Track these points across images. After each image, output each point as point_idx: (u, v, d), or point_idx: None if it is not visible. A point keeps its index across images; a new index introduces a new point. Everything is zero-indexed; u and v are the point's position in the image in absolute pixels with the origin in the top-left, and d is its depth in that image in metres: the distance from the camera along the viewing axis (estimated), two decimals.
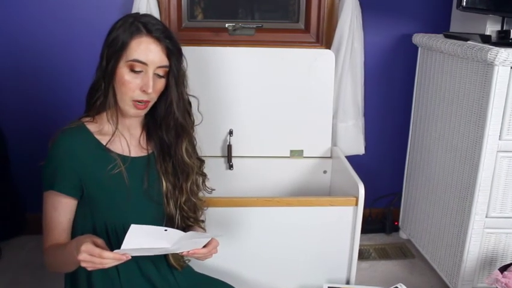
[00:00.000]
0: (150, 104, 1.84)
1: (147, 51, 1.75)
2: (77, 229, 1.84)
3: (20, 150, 3.30)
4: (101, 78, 1.80)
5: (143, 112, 1.84)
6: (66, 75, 3.16)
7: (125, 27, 1.76)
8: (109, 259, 1.53)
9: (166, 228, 1.64)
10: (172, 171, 1.98)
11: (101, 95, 1.81)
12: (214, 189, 2.21)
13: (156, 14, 2.98)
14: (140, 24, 1.76)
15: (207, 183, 2.17)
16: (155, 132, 1.96)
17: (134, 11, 2.93)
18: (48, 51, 3.13)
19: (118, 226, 1.84)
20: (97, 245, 1.55)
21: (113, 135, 1.83)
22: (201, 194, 2.13)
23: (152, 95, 1.80)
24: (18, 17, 3.06)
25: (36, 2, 3.06)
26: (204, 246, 1.78)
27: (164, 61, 1.80)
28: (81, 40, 3.11)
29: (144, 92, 1.76)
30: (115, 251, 1.53)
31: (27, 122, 3.26)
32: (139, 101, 1.79)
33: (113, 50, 1.76)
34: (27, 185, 3.30)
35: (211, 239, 1.79)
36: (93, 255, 1.52)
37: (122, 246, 1.52)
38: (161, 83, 1.82)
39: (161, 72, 1.80)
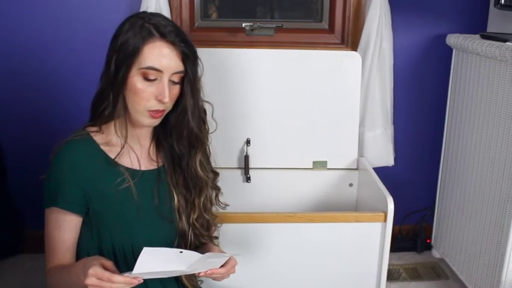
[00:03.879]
0: (166, 112, 1.83)
1: (161, 57, 1.73)
2: (82, 249, 1.84)
3: (18, 162, 3.32)
4: (108, 87, 1.78)
5: (158, 121, 1.83)
6: (69, 81, 3.18)
7: (135, 30, 1.73)
8: (119, 283, 1.50)
9: (181, 250, 1.64)
10: (184, 184, 1.98)
11: (108, 104, 1.79)
12: (228, 205, 2.20)
13: (167, 12, 3.00)
14: (152, 27, 1.73)
15: (220, 197, 2.15)
16: (165, 141, 1.96)
17: (142, 9, 2.94)
18: (49, 55, 3.15)
19: (126, 246, 1.84)
20: (106, 268, 1.53)
21: (122, 148, 1.83)
22: (214, 209, 2.12)
23: (168, 104, 1.78)
24: (17, 19, 3.09)
25: (36, 2, 3.09)
26: (222, 266, 1.76)
27: (180, 66, 1.77)
28: (85, 43, 3.13)
29: (160, 101, 1.75)
30: (126, 274, 1.52)
31: (26, 131, 3.28)
32: (154, 110, 1.77)
33: (123, 56, 1.73)
34: (26, 199, 3.30)
35: (229, 257, 1.77)
36: (102, 280, 1.49)
37: (134, 271, 1.50)
38: (176, 90, 1.81)
39: (176, 78, 1.78)
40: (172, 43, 1.75)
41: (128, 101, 1.78)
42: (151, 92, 1.75)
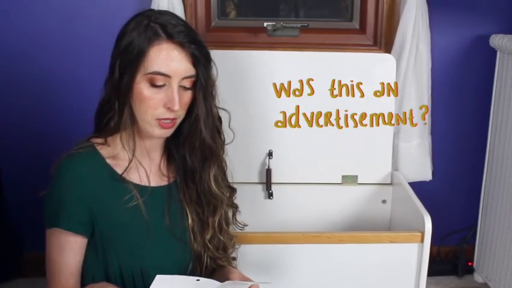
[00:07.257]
0: (178, 122, 1.80)
1: (169, 60, 1.70)
2: (87, 273, 1.82)
3: (15, 178, 3.32)
4: (113, 94, 1.76)
5: (170, 132, 1.80)
6: (71, 87, 3.19)
7: (139, 30, 1.71)
8: None
9: (198, 278, 1.63)
10: (197, 200, 1.96)
11: (114, 114, 1.78)
12: (247, 225, 2.19)
13: (180, 10, 2.99)
14: (158, 27, 1.71)
15: (238, 216, 2.13)
16: (177, 153, 1.94)
17: (153, 7, 2.93)
18: (50, 58, 3.16)
19: (135, 270, 1.81)
20: None
21: (129, 162, 1.81)
22: (230, 228, 2.10)
23: (179, 112, 1.76)
24: (15, 18, 3.10)
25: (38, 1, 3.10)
26: None
27: (190, 70, 1.75)
28: (89, 45, 3.15)
29: (169, 109, 1.72)
30: None
31: (24, 142, 3.28)
32: (164, 119, 1.75)
33: (127, 60, 1.71)
34: (24, 218, 3.32)
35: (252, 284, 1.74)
36: None
37: None
38: (188, 96, 1.78)
39: (187, 83, 1.76)
40: (181, 44, 1.72)
41: (135, 110, 1.76)
42: (159, 100, 1.72)
